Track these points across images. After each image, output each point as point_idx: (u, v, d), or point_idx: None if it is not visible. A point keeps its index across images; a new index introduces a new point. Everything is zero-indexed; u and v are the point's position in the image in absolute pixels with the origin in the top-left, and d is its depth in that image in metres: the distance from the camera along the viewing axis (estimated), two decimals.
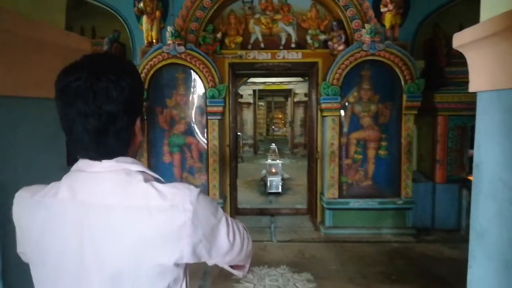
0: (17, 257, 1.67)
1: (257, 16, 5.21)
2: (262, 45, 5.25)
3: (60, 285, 0.81)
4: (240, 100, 13.58)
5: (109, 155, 0.82)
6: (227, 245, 0.91)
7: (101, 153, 0.82)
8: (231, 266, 1.04)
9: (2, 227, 1.57)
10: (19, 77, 1.71)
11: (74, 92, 0.76)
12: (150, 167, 4.80)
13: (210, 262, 0.94)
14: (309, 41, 5.21)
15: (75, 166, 0.85)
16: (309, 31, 5.20)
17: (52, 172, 1.98)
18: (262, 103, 18.51)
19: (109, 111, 0.78)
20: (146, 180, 0.82)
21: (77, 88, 0.76)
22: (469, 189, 4.92)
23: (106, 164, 0.82)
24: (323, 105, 4.99)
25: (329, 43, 5.12)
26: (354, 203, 4.98)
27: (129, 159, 0.85)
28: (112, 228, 0.78)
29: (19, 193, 0.88)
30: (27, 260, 0.90)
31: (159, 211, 0.78)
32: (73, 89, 0.76)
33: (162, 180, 0.87)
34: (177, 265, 0.82)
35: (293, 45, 5.24)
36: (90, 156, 0.82)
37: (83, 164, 0.83)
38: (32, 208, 0.83)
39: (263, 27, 5.22)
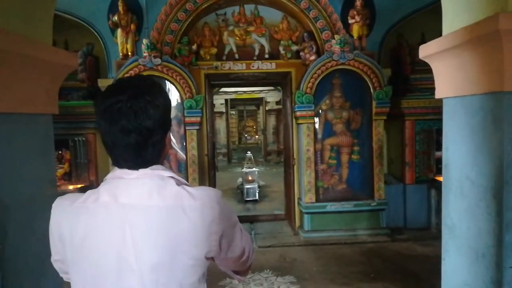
0: (16, 268, 1.69)
1: (230, 28, 5.35)
2: (236, 56, 5.38)
3: (102, 279, 0.88)
4: None
5: (145, 165, 0.93)
6: (240, 247, 1.02)
7: (139, 163, 0.92)
8: (235, 272, 1.13)
9: (1, 242, 1.58)
10: (12, 94, 1.73)
11: (117, 112, 0.87)
12: None
13: (221, 263, 1.02)
14: (282, 51, 5.39)
15: (111, 175, 0.94)
16: (282, 42, 5.39)
17: (42, 186, 2.00)
18: (233, 112, 18.62)
19: (148, 127, 0.89)
20: (177, 184, 0.93)
21: (119, 109, 0.86)
22: (437, 189, 5.23)
23: (142, 171, 0.92)
24: (298, 113, 5.17)
25: (301, 53, 5.32)
26: (331, 206, 5.16)
27: (160, 166, 0.95)
28: (150, 226, 0.87)
29: (57, 202, 0.95)
30: (62, 269, 0.98)
31: (192, 210, 0.89)
32: (116, 109, 0.86)
33: (188, 183, 0.98)
34: (207, 258, 0.92)
35: (266, 56, 5.40)
36: (129, 166, 0.92)
37: (121, 172, 0.93)
38: (73, 214, 0.90)
39: (237, 38, 5.36)
